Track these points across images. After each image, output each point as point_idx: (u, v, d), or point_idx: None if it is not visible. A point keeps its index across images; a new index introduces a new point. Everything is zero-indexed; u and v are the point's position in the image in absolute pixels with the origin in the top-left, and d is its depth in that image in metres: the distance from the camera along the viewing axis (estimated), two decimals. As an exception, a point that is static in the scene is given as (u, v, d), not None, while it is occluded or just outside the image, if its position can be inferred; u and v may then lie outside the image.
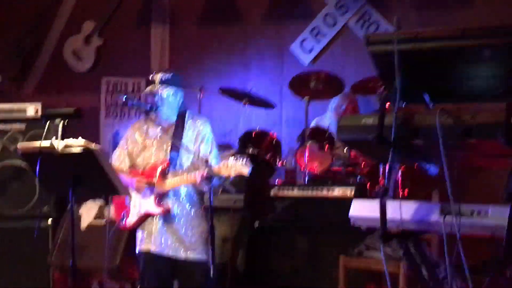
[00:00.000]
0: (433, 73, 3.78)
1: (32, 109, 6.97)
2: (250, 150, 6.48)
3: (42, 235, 6.79)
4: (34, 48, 9.16)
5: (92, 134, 8.11)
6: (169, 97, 4.95)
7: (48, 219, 6.84)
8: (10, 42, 9.10)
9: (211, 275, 4.54)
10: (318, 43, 8.00)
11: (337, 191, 5.75)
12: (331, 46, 8.01)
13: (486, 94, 3.77)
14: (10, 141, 6.97)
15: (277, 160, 6.66)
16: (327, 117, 7.31)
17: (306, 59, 8.05)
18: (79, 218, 6.56)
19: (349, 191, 5.70)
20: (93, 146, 4.17)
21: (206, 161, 4.65)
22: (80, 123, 6.44)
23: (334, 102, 7.20)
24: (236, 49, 8.40)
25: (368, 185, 6.16)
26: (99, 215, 6.50)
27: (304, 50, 8.05)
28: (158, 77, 4.95)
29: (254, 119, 7.91)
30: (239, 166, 4.62)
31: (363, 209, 4.03)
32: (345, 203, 5.58)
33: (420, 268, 4.71)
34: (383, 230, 3.65)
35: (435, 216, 3.67)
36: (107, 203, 6.57)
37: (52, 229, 6.81)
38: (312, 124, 7.12)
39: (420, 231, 3.93)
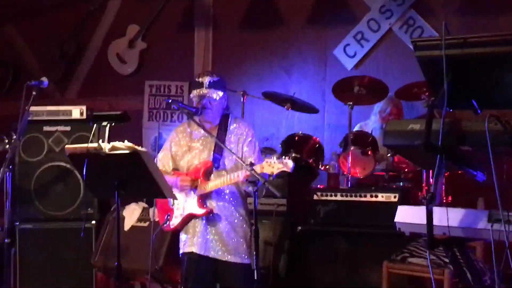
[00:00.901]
0: (480, 78, 3.75)
1: (77, 111, 7.05)
2: (293, 154, 6.47)
3: (86, 236, 6.86)
4: (78, 52, 9.25)
5: (134, 137, 8.14)
6: (216, 100, 4.98)
7: (91, 220, 6.91)
8: (54, 46, 9.21)
9: (255, 278, 4.51)
10: (361, 48, 7.95)
11: (381, 197, 5.72)
12: (375, 51, 7.95)
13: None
14: (55, 142, 7.05)
15: (320, 165, 6.65)
16: (370, 121, 7.27)
17: (349, 64, 8.01)
18: (122, 220, 6.61)
19: (392, 197, 5.66)
20: (139, 148, 4.21)
21: (251, 163, 4.65)
22: (123, 126, 6.56)
23: (378, 106, 7.16)
24: (278, 53, 8.38)
25: (411, 191, 6.12)
26: (142, 217, 6.55)
27: (347, 55, 8.01)
28: (206, 80, 4.97)
29: (296, 123, 7.92)
30: (282, 163, 4.63)
31: (408, 215, 4.02)
32: (389, 208, 5.61)
33: (466, 275, 4.69)
34: (430, 237, 3.63)
35: (482, 223, 3.65)
36: (150, 205, 6.63)
37: (96, 230, 6.88)
38: (356, 128, 7.10)
39: (467, 238, 3.91)
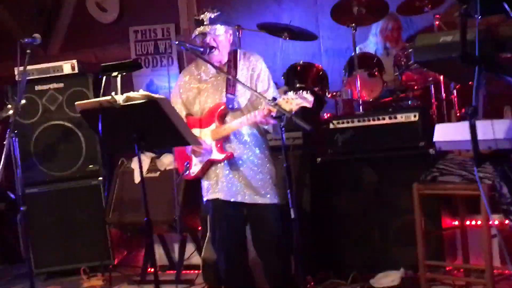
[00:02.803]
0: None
1: (68, 66, 6.79)
2: (298, 85, 6.25)
3: (95, 193, 6.69)
4: (56, 5, 8.88)
5: (124, 86, 7.92)
6: (220, 36, 4.73)
7: (98, 177, 6.73)
8: (31, 2, 8.83)
9: (292, 217, 4.31)
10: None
11: (400, 117, 5.49)
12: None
13: None
14: (50, 101, 6.81)
15: (326, 92, 6.43)
16: (370, 43, 7.05)
17: (341, -16, 7.68)
18: (131, 172, 6.42)
19: (412, 116, 5.45)
20: (157, 96, 3.97)
21: (274, 98, 4.41)
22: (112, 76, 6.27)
23: (377, 26, 6.92)
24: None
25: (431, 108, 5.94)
26: (152, 167, 6.35)
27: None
28: (206, 16, 4.71)
29: (292, 53, 7.65)
30: (301, 98, 4.40)
31: (448, 133, 3.83)
32: (410, 129, 5.43)
33: (502, 188, 4.55)
34: (476, 152, 3.44)
35: (531, 132, 3.46)
36: (158, 155, 6.43)
37: (103, 186, 6.70)
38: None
39: (514, 150, 3.72)
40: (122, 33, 8.63)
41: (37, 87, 6.80)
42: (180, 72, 8.11)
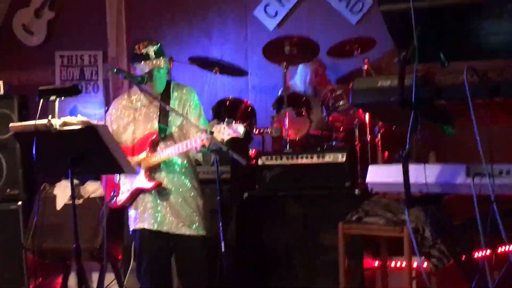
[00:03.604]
0: (448, 30, 3.69)
1: (-6, 87, 6.66)
2: (226, 120, 6.29)
3: (13, 218, 6.52)
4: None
5: (46, 112, 7.80)
6: (163, 68, 4.77)
7: (17, 201, 6.57)
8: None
9: (222, 250, 4.34)
10: (282, 7, 7.74)
11: (328, 157, 5.60)
12: (296, 10, 7.77)
13: (504, 51, 3.71)
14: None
15: (254, 129, 6.50)
16: (297, 82, 7.16)
17: (270, 24, 7.80)
18: (54, 198, 6.31)
19: (340, 156, 5.55)
20: (96, 122, 3.94)
21: (206, 131, 4.46)
22: (34, 101, 6.18)
23: (303, 67, 7.04)
24: (197, 15, 8.10)
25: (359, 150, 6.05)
26: (75, 194, 6.23)
27: (269, 15, 7.80)
28: (151, 50, 4.73)
29: (220, 88, 7.71)
30: (232, 129, 4.46)
31: (381, 175, 3.93)
32: (337, 169, 5.53)
33: (424, 232, 4.67)
34: (408, 195, 3.55)
35: (461, 178, 3.59)
36: (82, 182, 6.33)
37: (23, 211, 6.55)
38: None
39: (444, 194, 3.85)
40: (47, 57, 8.53)
41: (-41, 107, 6.62)
42: (104, 100, 8.23)
